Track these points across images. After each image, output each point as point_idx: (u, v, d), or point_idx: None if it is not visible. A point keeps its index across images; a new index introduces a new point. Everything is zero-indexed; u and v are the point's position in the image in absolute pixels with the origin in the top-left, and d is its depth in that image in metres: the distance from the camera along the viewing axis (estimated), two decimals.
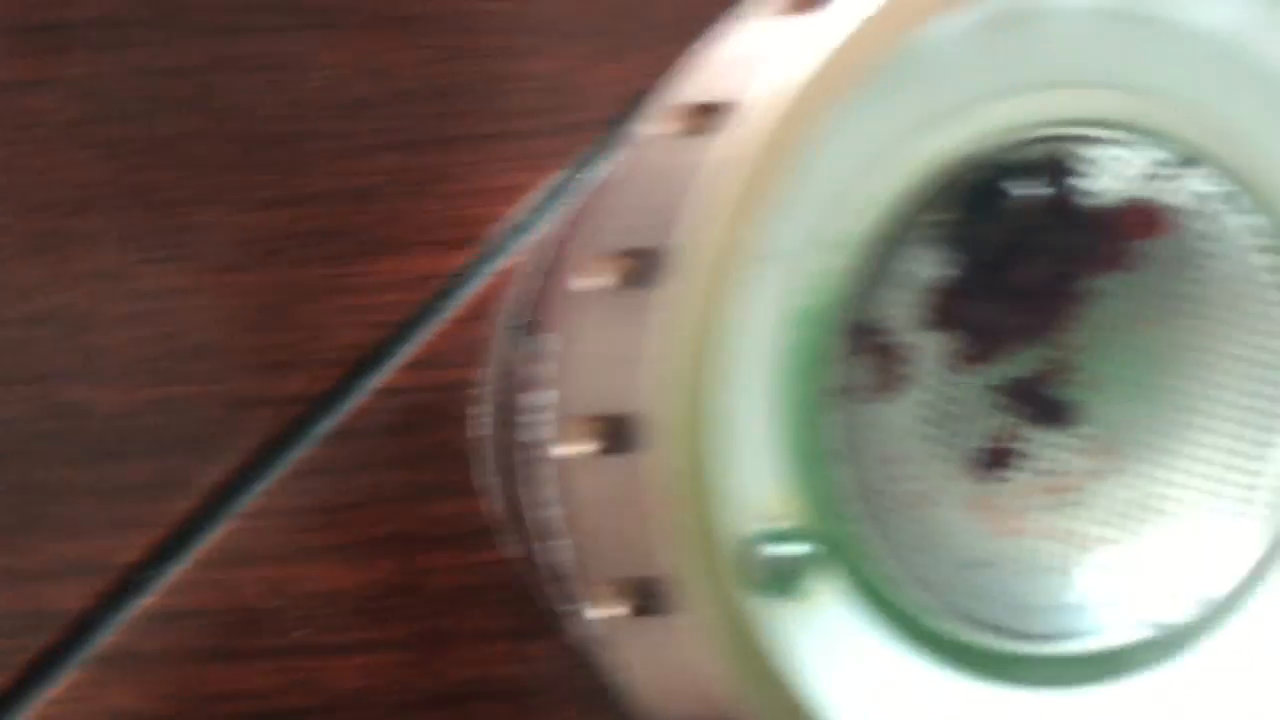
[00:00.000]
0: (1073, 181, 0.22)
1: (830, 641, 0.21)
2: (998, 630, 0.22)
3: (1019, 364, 0.23)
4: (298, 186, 0.39)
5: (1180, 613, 0.21)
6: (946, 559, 0.23)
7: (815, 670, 0.20)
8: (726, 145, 0.18)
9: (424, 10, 0.39)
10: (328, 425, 0.39)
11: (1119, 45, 0.22)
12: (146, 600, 0.36)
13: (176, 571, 0.37)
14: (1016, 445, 0.23)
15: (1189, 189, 0.23)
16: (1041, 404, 0.23)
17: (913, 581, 0.22)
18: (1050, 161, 0.22)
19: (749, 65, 0.19)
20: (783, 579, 0.20)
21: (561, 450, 0.20)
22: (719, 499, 0.20)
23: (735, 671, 0.18)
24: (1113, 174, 0.23)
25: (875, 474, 0.22)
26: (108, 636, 0.37)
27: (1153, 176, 0.22)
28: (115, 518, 0.37)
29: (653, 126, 0.20)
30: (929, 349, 0.23)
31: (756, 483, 0.21)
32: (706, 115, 0.19)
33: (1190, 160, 0.22)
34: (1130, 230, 0.22)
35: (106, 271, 0.37)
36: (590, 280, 0.19)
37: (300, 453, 0.38)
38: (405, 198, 0.37)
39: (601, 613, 0.20)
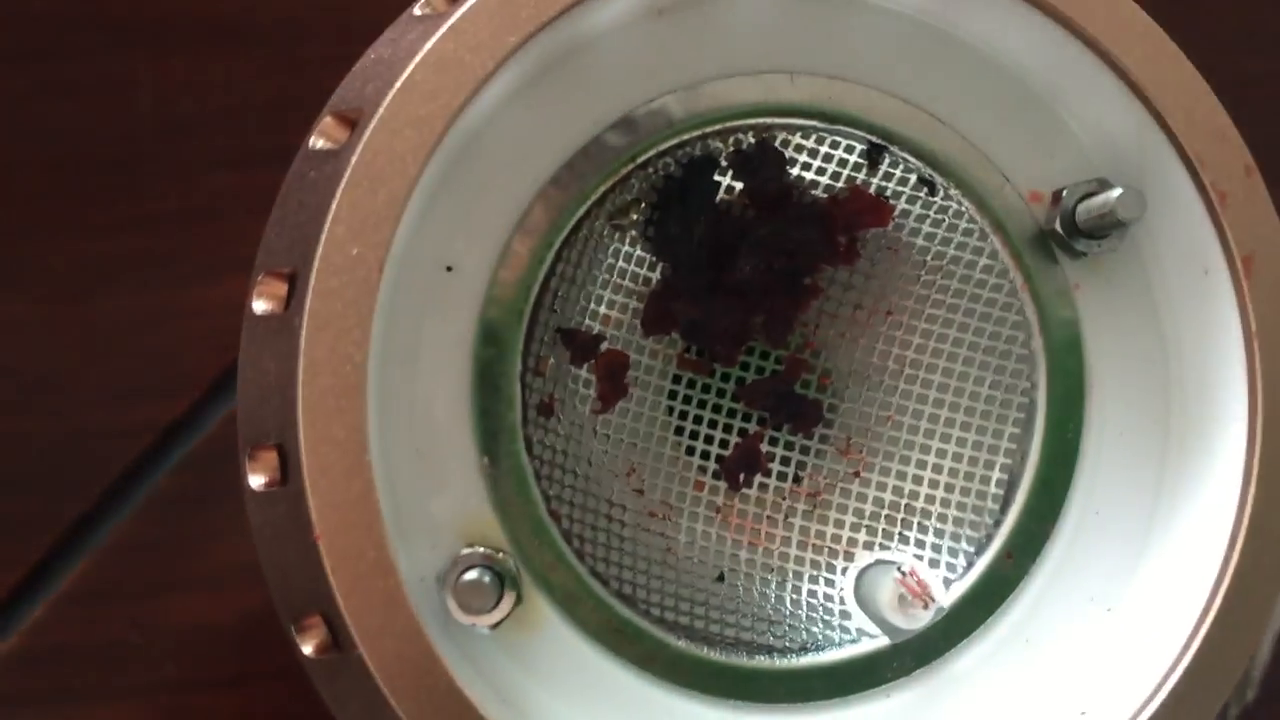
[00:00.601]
0: (784, 171, 0.21)
1: (546, 668, 0.20)
2: (740, 645, 0.21)
3: (757, 364, 0.22)
4: (134, 210, 0.38)
5: (924, 619, 0.20)
6: (691, 572, 0.21)
7: (529, 698, 0.19)
8: (360, 157, 0.17)
9: (249, 23, 0.38)
10: (182, 453, 0.38)
11: (808, 28, 0.20)
12: (8, 642, 0.35)
13: (37, 611, 0.36)
14: (763, 450, 0.22)
15: (898, 175, 0.21)
16: (783, 405, 0.21)
17: (651, 597, 0.21)
18: (758, 150, 0.20)
19: (392, 66, 0.17)
20: (482, 605, 0.19)
21: (246, 483, 0.19)
22: (405, 526, 0.19)
23: (416, 707, 0.17)
24: (824, 161, 0.21)
25: (613, 487, 0.21)
26: None
27: (862, 164, 0.21)
28: None
29: (308, 139, 0.19)
30: (658, 353, 0.21)
31: (457, 508, 0.19)
32: (347, 126, 0.17)
33: (890, 145, 0.21)
34: (850, 220, 0.21)
35: None
36: (256, 303, 0.18)
37: (155, 483, 0.37)
38: (246, 215, 0.36)
39: (301, 652, 0.19)
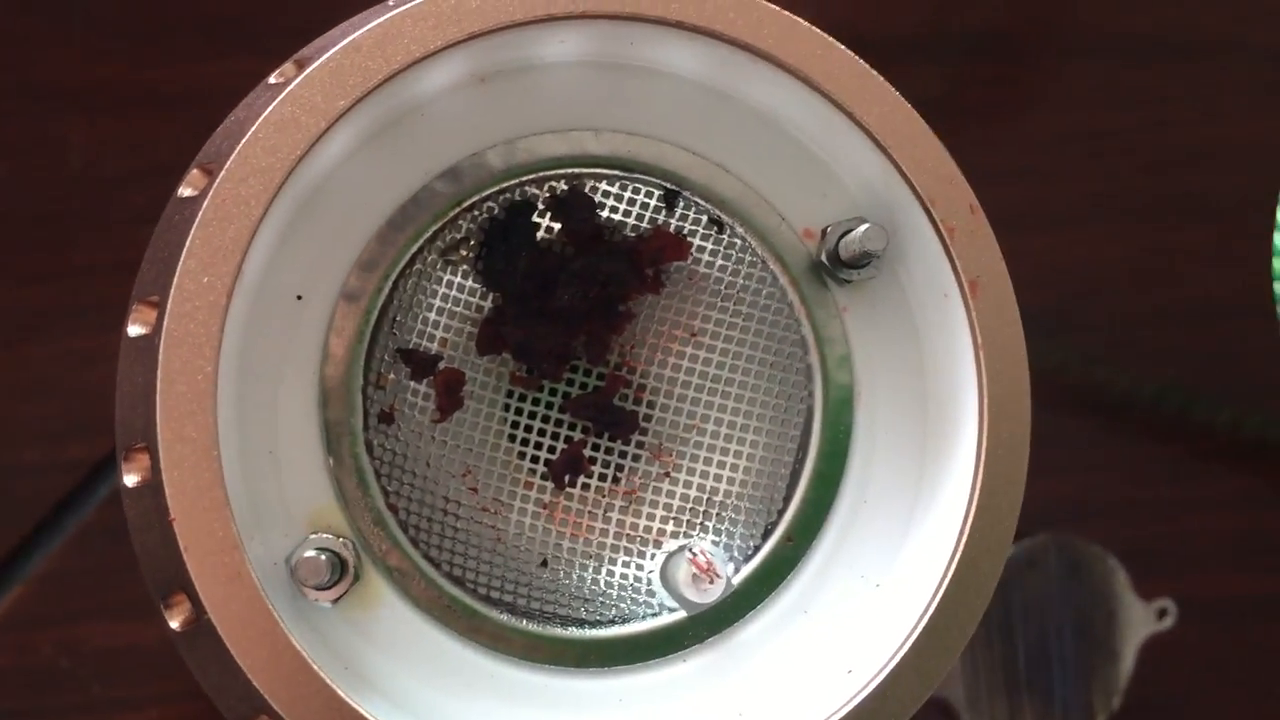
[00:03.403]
0: (594, 213, 0.25)
1: (385, 639, 0.23)
2: (556, 619, 0.24)
3: (581, 380, 0.26)
4: (65, 262, 0.41)
5: (714, 594, 0.23)
6: (517, 559, 0.25)
7: (369, 664, 0.23)
8: (210, 201, 0.21)
9: (180, 90, 0.41)
10: (108, 488, 0.40)
11: (610, 93, 0.24)
12: None
13: None
14: (586, 454, 0.25)
15: (692, 216, 0.25)
16: (604, 416, 0.25)
17: (479, 579, 0.24)
18: (571, 195, 0.25)
19: (243, 126, 0.21)
20: (319, 582, 0.22)
21: (121, 481, 0.22)
22: (261, 515, 0.22)
23: (260, 666, 0.21)
24: (629, 205, 0.25)
25: (449, 486, 0.25)
26: None
27: (661, 207, 0.25)
28: None
29: (178, 188, 0.23)
30: (492, 371, 0.25)
31: (306, 501, 0.23)
32: (206, 175, 0.21)
33: (684, 191, 0.25)
34: (654, 255, 0.25)
35: None
36: (130, 328, 0.22)
37: (83, 516, 0.40)
38: None
39: (169, 626, 0.22)
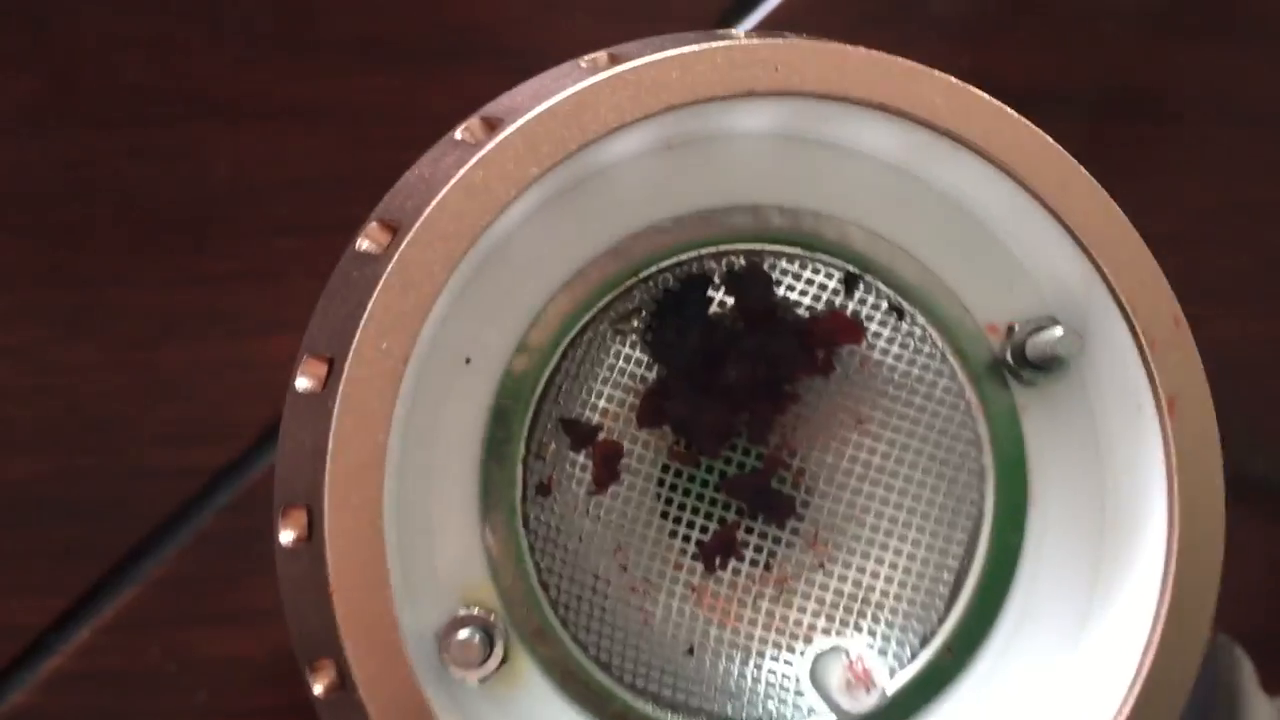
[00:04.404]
0: (769, 291, 0.24)
1: None
2: (702, 714, 0.24)
3: (739, 460, 0.25)
4: (202, 268, 0.41)
5: (868, 703, 0.22)
6: (663, 644, 0.24)
7: None
8: (395, 265, 0.20)
9: (322, 103, 0.41)
10: (228, 496, 0.41)
11: (798, 168, 0.23)
12: (55, 662, 0.38)
13: (83, 635, 0.39)
14: (739, 537, 0.24)
15: (871, 301, 0.24)
16: (760, 498, 0.24)
17: (625, 665, 0.24)
18: (748, 271, 0.24)
19: (430, 185, 0.21)
20: (470, 661, 0.22)
21: (277, 537, 0.22)
22: (412, 585, 0.22)
23: None
24: (805, 285, 0.24)
25: (600, 562, 0.24)
26: (18, 696, 0.39)
27: (840, 289, 0.24)
28: (24, 583, 0.39)
29: (355, 240, 0.22)
30: (650, 444, 0.24)
31: (459, 573, 0.22)
32: (389, 232, 0.21)
33: (866, 274, 0.24)
34: (827, 337, 0.24)
35: (17, 348, 0.39)
36: (299, 380, 0.21)
37: (202, 522, 0.40)
38: (305, 278, 0.39)
39: (312, 691, 0.22)
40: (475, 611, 0.22)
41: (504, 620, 0.22)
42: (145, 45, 0.40)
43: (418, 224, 0.20)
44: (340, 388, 0.20)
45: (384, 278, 0.20)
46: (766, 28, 0.43)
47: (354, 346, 0.20)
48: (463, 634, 0.21)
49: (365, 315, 0.20)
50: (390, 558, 0.21)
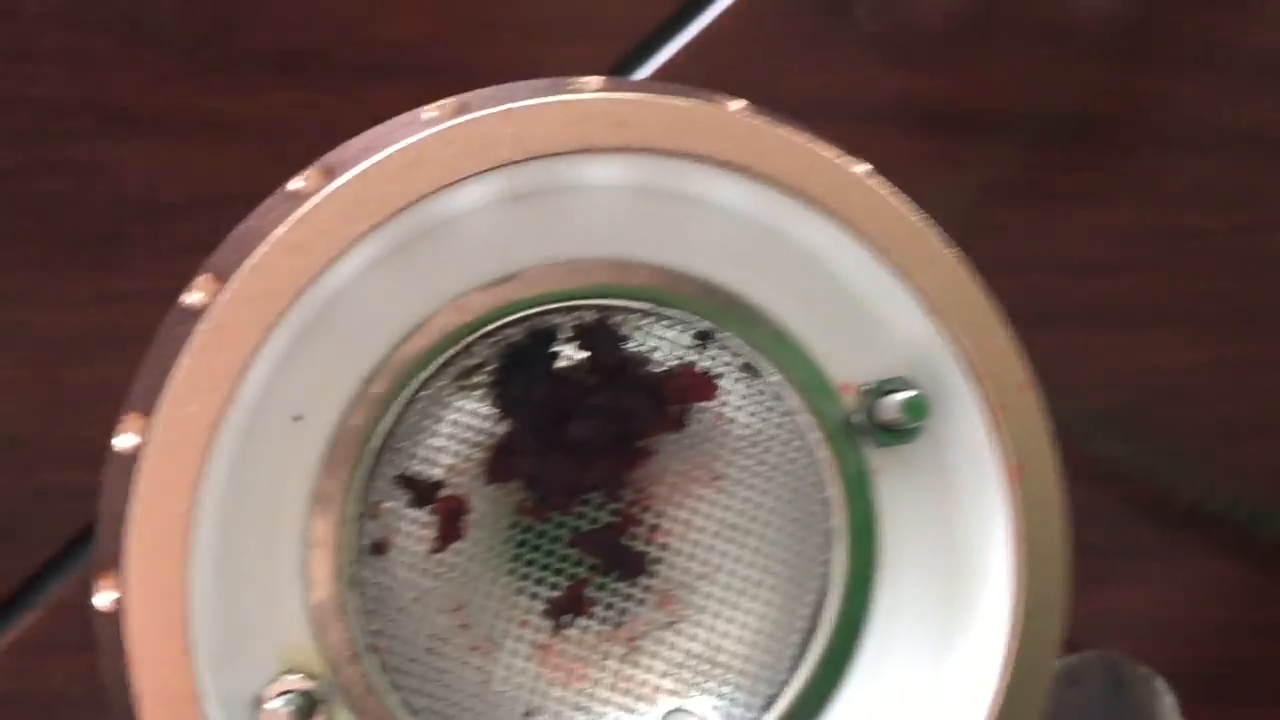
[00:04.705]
0: (620, 347, 0.23)
1: None
2: None
3: (588, 516, 0.24)
4: (113, 286, 0.40)
5: None
6: (501, 706, 0.23)
7: None
8: (209, 324, 0.20)
9: (239, 118, 0.41)
10: None
11: (651, 221, 0.23)
12: None
13: None
14: (587, 594, 0.24)
15: (724, 358, 0.23)
16: (611, 555, 0.24)
17: None
18: (597, 326, 0.23)
19: (257, 239, 0.20)
20: None
21: (92, 600, 0.21)
22: (233, 648, 0.21)
23: None
24: (657, 340, 0.23)
25: (438, 622, 0.23)
26: None
27: (692, 345, 0.23)
28: None
29: (184, 294, 0.21)
30: (496, 500, 0.24)
31: (282, 635, 0.22)
32: (219, 285, 0.20)
33: (718, 331, 0.23)
34: (679, 393, 0.23)
35: None
36: (116, 439, 0.21)
37: None
38: None
39: None
40: (297, 676, 0.22)
41: (329, 684, 0.22)
42: (59, 59, 0.39)
43: (233, 283, 0.20)
44: (146, 452, 0.19)
45: (195, 338, 0.20)
46: (696, 48, 0.42)
47: (159, 410, 0.19)
48: (272, 704, 0.21)
49: (173, 377, 0.19)
50: (204, 623, 0.20)
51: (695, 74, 0.42)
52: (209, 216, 0.41)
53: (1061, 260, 0.45)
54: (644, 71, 0.42)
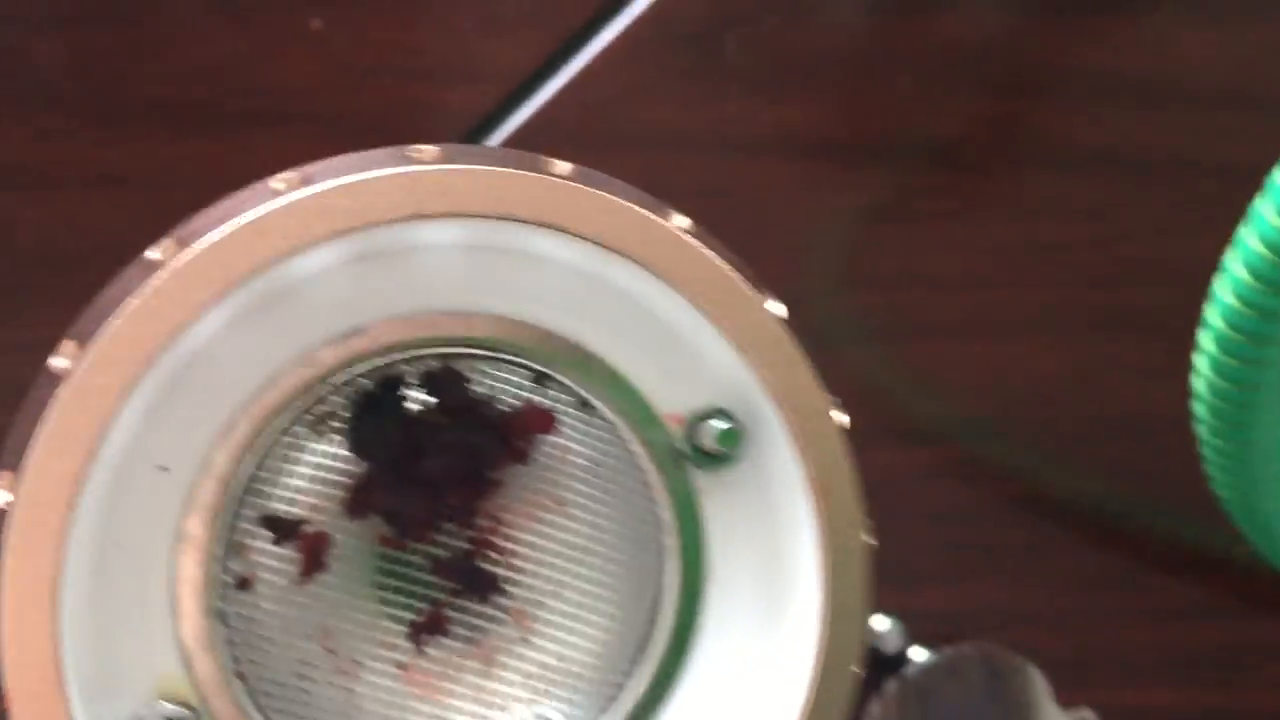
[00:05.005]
0: (465, 389, 0.26)
1: None
2: None
3: (444, 544, 0.27)
4: (11, 337, 0.42)
5: None
6: None
7: None
8: (67, 389, 0.22)
9: (129, 170, 0.42)
10: None
11: (487, 276, 0.25)
12: None
13: None
14: (446, 615, 0.26)
15: (561, 396, 0.26)
16: (467, 578, 0.26)
17: None
18: (442, 373, 0.26)
19: (114, 304, 0.22)
20: None
21: None
22: (109, 681, 0.23)
23: None
24: (500, 383, 0.26)
25: (304, 648, 0.26)
26: None
27: (531, 385, 0.26)
28: None
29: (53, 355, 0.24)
30: (357, 533, 0.26)
31: (155, 668, 0.24)
32: (75, 350, 0.22)
33: (553, 372, 0.26)
34: (522, 429, 0.26)
35: None
36: None
37: None
38: None
39: None
40: (169, 705, 0.24)
41: (199, 711, 0.24)
42: None
43: (93, 348, 0.22)
44: (13, 508, 0.21)
45: (58, 401, 0.22)
46: (575, 88, 0.44)
47: (29, 466, 0.21)
48: None
49: (37, 437, 0.21)
50: (76, 660, 0.22)
51: (574, 113, 0.44)
52: (102, 267, 0.43)
53: (936, 276, 0.47)
54: (525, 112, 0.44)
